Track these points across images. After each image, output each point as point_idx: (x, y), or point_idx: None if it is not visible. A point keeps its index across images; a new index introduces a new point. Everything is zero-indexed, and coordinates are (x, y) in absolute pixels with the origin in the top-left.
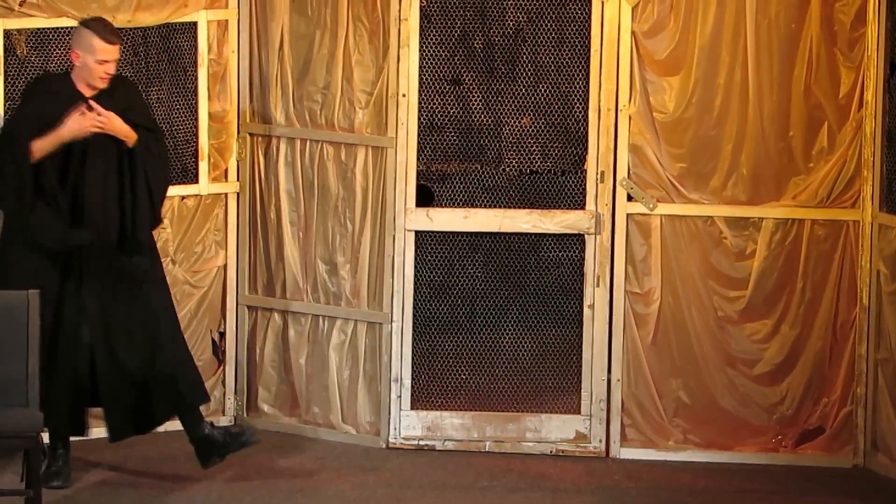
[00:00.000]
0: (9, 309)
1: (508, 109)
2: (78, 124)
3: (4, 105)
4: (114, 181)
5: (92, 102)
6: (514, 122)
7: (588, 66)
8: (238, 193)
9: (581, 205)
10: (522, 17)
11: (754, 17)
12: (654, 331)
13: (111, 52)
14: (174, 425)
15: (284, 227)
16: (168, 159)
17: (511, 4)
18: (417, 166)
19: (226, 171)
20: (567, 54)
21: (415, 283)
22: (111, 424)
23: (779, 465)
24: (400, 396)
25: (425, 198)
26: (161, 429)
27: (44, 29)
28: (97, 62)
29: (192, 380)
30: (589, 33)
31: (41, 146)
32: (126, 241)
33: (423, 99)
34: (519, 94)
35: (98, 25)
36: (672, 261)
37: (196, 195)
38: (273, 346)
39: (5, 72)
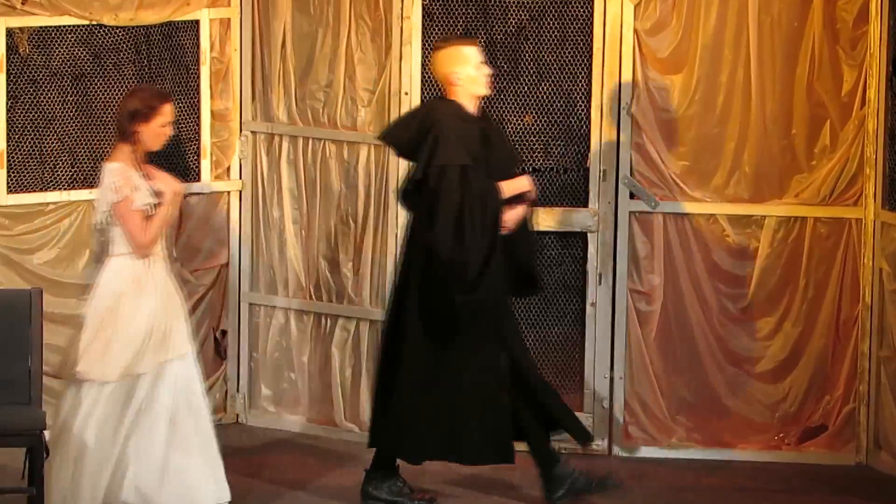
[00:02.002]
0: (12, 308)
1: (511, 107)
2: (515, 217)
3: (7, 103)
4: None
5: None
6: (517, 120)
7: (590, 65)
8: (240, 191)
9: (583, 203)
10: (525, 15)
11: (757, 16)
12: (657, 328)
13: (480, 52)
14: None
15: (287, 225)
16: None
17: (513, 2)
18: None
19: (228, 169)
20: (569, 52)
21: None
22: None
23: (781, 462)
24: None
25: None
26: None
27: (46, 27)
28: (477, 67)
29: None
30: (591, 31)
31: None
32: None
33: (425, 97)
34: (521, 92)
35: (451, 39)
36: (674, 259)
37: (198, 193)
38: (275, 345)
39: (7, 70)
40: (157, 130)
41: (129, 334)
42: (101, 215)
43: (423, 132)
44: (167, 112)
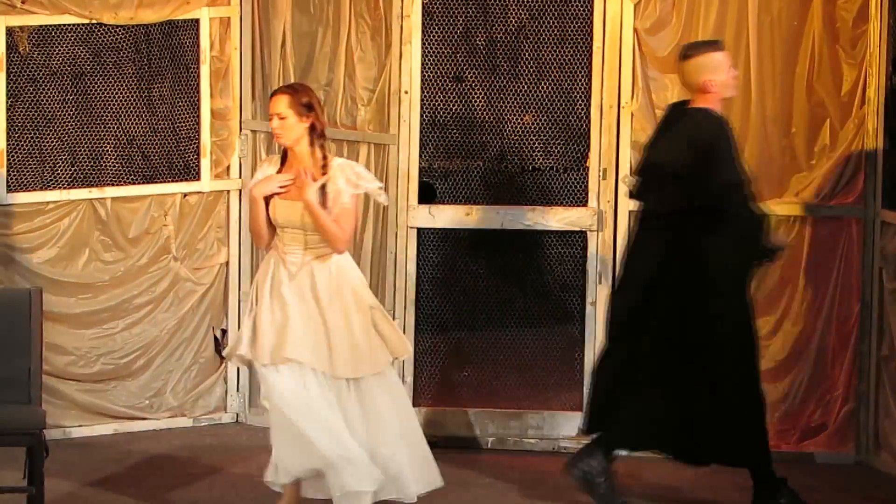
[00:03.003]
0: (12, 307)
1: (511, 106)
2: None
3: (7, 102)
4: None
5: None
6: (517, 118)
7: (590, 63)
8: (240, 190)
9: (583, 202)
10: (525, 14)
11: (757, 15)
12: None
13: (728, 54)
14: (177, 422)
15: None
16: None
17: (513, 1)
18: (420, 163)
19: (228, 168)
20: (569, 51)
21: (417, 280)
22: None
23: (781, 461)
24: None
25: (427, 195)
26: (163, 426)
27: (46, 26)
28: (727, 71)
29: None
30: (591, 30)
31: None
32: None
33: (425, 96)
34: (521, 90)
35: (699, 45)
36: None
37: (198, 192)
38: None
39: (7, 69)
40: (272, 127)
41: (253, 322)
42: None
43: (700, 147)
44: (271, 105)
